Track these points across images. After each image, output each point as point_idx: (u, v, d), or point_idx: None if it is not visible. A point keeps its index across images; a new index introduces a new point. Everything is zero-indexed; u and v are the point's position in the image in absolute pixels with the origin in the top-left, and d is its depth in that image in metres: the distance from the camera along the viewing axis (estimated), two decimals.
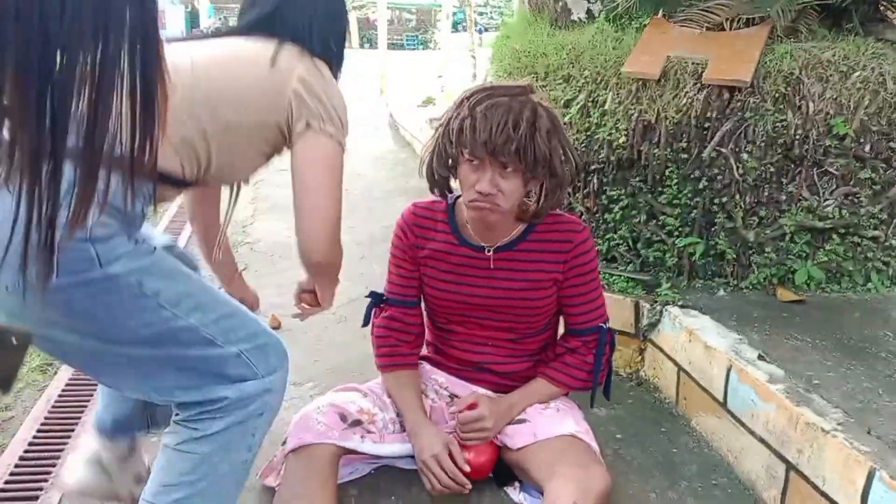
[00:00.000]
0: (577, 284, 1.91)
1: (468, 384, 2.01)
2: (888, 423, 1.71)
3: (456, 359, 2.03)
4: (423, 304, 2.06)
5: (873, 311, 2.37)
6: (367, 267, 3.75)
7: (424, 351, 2.13)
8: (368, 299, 2.08)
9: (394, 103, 9.70)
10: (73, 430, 2.17)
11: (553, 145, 1.72)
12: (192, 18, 33.56)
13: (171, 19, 33.52)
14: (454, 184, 1.91)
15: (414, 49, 31.69)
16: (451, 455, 1.79)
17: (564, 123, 2.45)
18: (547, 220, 1.90)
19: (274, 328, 1.84)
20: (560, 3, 3.17)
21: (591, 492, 1.62)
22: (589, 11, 3.11)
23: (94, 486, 1.73)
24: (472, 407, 1.85)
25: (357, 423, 1.83)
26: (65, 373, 2.53)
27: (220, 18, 36.43)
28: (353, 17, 38.39)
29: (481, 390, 1.98)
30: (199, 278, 1.47)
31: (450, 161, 1.79)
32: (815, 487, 1.70)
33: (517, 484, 1.89)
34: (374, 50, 19.89)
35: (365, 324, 2.09)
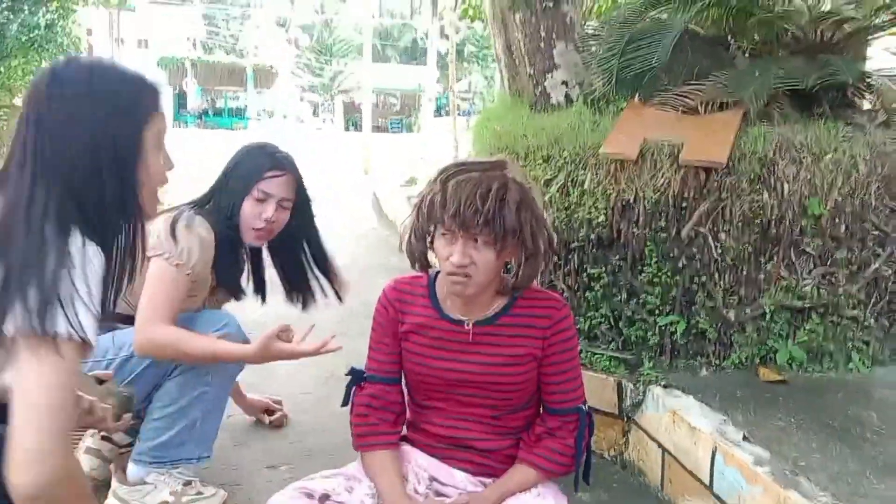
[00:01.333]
0: (556, 363, 1.89)
1: (449, 467, 1.95)
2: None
3: (436, 436, 1.97)
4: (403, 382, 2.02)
5: (856, 391, 2.36)
6: (346, 343, 3.69)
7: (404, 430, 2.07)
8: (349, 377, 2.04)
9: (377, 183, 9.81)
10: None
11: (523, 217, 1.72)
12: (181, 99, 34.17)
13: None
14: (433, 259, 1.91)
15: (398, 132, 32.32)
16: None
17: (545, 203, 2.49)
18: (527, 296, 1.89)
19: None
20: (539, 88, 3.25)
21: None
22: (567, 96, 3.19)
23: (99, 469, 2.17)
24: None
25: (325, 497, 1.76)
26: None
27: (206, 100, 37.19)
28: (338, 101, 39.32)
29: (460, 473, 1.92)
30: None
31: (426, 236, 1.80)
32: None
33: None
34: (359, 133, 20.27)
35: (345, 403, 2.04)
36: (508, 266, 1.86)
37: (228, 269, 2.17)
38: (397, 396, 2.00)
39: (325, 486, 1.82)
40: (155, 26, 34.38)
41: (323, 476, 1.88)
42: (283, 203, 2.17)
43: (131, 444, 2.18)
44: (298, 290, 2.40)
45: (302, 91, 41.52)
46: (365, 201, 8.90)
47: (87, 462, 2.21)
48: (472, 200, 1.66)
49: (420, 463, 1.97)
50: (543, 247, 1.82)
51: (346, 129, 34.97)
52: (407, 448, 2.01)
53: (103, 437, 2.23)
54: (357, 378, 2.03)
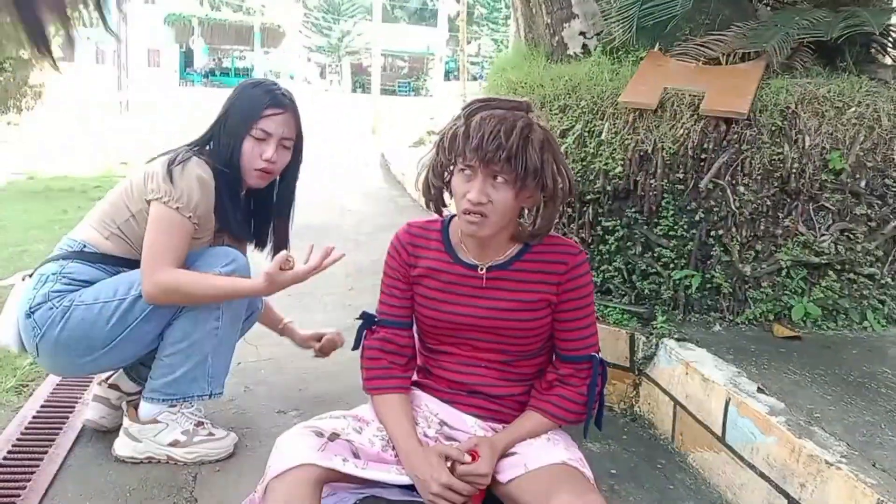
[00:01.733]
0: (571, 309, 1.87)
1: (459, 412, 1.94)
2: (893, 456, 1.66)
3: (447, 381, 1.96)
4: (414, 327, 2.01)
5: (871, 349, 2.34)
6: (355, 298, 3.70)
7: (414, 376, 2.06)
8: (359, 321, 2.02)
9: (386, 143, 9.74)
10: (45, 452, 2.08)
11: (545, 158, 1.70)
12: (187, 58, 33.88)
13: (167, 59, 33.86)
14: (449, 203, 1.88)
15: (406, 95, 32.03)
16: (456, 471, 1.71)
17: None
18: (543, 242, 1.87)
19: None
20: (556, 38, 3.19)
21: None
22: (585, 47, 3.13)
23: (108, 417, 2.21)
24: (472, 455, 1.76)
25: (334, 435, 1.75)
26: (41, 393, 2.45)
27: (213, 59, 36.88)
28: (346, 63, 38.97)
29: (471, 418, 1.91)
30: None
31: (444, 172, 1.77)
32: None
33: None
34: (367, 94, 20.11)
35: (356, 347, 2.03)
36: (522, 217, 1.83)
37: (231, 211, 2.12)
38: (409, 340, 1.98)
39: (334, 426, 1.81)
40: None
41: (332, 416, 1.88)
42: (283, 142, 2.10)
43: (139, 392, 2.17)
44: (258, 234, 2.32)
45: (309, 52, 41.09)
46: (373, 161, 8.85)
47: (95, 410, 2.21)
48: (496, 135, 1.64)
49: (430, 407, 1.96)
50: (563, 193, 1.80)
51: (354, 90, 34.70)
52: (417, 393, 2.00)
53: (110, 385, 2.23)
54: (368, 322, 2.01)
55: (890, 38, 2.76)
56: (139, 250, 2.01)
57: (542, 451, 1.79)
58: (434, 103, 15.29)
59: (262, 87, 2.12)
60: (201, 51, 33.66)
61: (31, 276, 2.08)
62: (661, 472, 2.15)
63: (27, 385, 2.54)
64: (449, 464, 1.74)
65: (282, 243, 2.27)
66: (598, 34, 3.10)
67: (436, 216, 1.98)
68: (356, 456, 1.78)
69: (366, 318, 2.02)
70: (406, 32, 38.42)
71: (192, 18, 31.93)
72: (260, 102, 2.06)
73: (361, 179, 7.57)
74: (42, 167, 7.80)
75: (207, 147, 2.11)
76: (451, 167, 1.77)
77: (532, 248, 1.86)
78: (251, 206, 2.25)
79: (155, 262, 1.96)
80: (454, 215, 1.92)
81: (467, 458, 1.75)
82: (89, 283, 2.02)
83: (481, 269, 1.86)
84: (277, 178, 2.21)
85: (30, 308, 1.98)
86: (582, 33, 3.14)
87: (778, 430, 1.79)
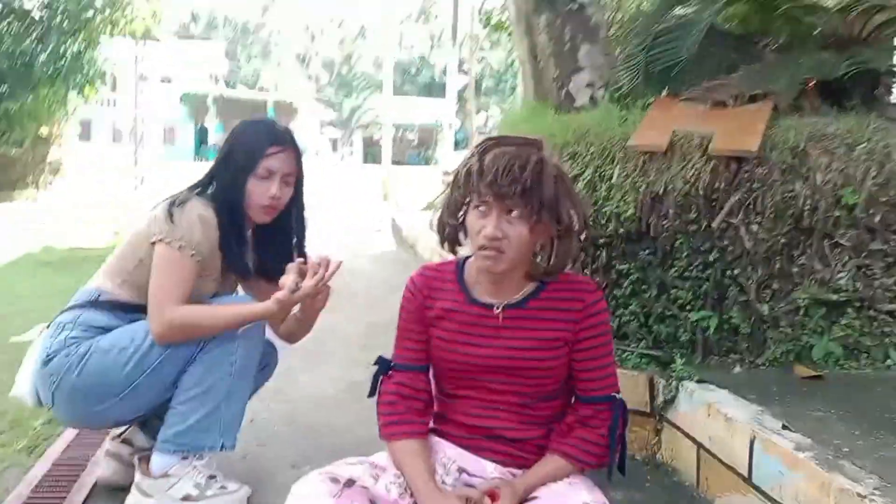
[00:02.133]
0: (588, 348, 1.84)
1: (478, 457, 1.89)
2: None
3: (465, 426, 1.92)
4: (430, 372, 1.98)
5: None
6: (368, 355, 3.65)
7: (431, 423, 2.02)
8: (375, 369, 1.99)
9: (396, 208, 9.83)
10: None
11: (559, 192, 1.70)
12: (202, 135, 34.68)
13: (182, 136, 34.69)
14: (464, 242, 1.88)
15: (416, 165, 32.50)
16: None
17: None
18: (559, 280, 1.85)
19: None
20: (564, 91, 3.25)
21: None
22: (592, 98, 3.19)
23: (121, 473, 2.16)
24: (492, 496, 1.71)
25: (350, 482, 1.71)
26: (52, 452, 2.42)
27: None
28: (357, 136, 39.75)
29: (490, 464, 1.87)
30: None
31: (459, 209, 1.78)
32: None
33: None
34: (378, 165, 20.43)
35: (372, 393, 2.00)
36: (537, 255, 1.83)
37: (235, 249, 2.13)
38: (425, 385, 1.95)
39: (350, 472, 1.77)
40: (178, 63, 35.04)
41: (348, 463, 1.84)
42: (286, 178, 2.12)
43: (152, 448, 2.14)
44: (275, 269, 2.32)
45: (321, 126, 41.99)
46: (384, 226, 8.92)
47: (107, 467, 2.18)
48: (510, 170, 1.65)
49: (448, 454, 1.91)
50: (578, 226, 1.79)
51: (365, 162, 35.29)
52: (435, 440, 1.96)
53: (123, 440, 2.21)
54: (384, 367, 1.99)
55: None
56: (144, 295, 2.02)
57: (562, 495, 1.74)
58: (445, 167, 15.49)
59: (262, 126, 2.16)
60: (215, 128, 34.46)
61: (48, 327, 2.08)
62: None
63: (38, 445, 2.51)
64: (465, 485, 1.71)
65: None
66: (605, 84, 3.16)
67: (449, 258, 1.98)
68: (372, 503, 1.74)
69: (382, 363, 2.00)
70: (415, 105, 39.24)
71: (206, 97, 32.80)
72: (262, 141, 2.08)
73: (373, 243, 7.63)
74: (57, 240, 7.90)
75: (209, 189, 2.13)
76: (466, 205, 1.78)
77: (548, 287, 1.85)
78: (261, 243, 2.26)
79: (161, 301, 1.97)
80: (468, 257, 1.92)
81: (487, 501, 1.70)
82: (105, 329, 2.02)
83: (497, 309, 1.85)
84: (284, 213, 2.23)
85: (47, 356, 1.98)
86: (589, 85, 3.21)
87: (806, 466, 1.73)
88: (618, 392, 1.87)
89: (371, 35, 44.29)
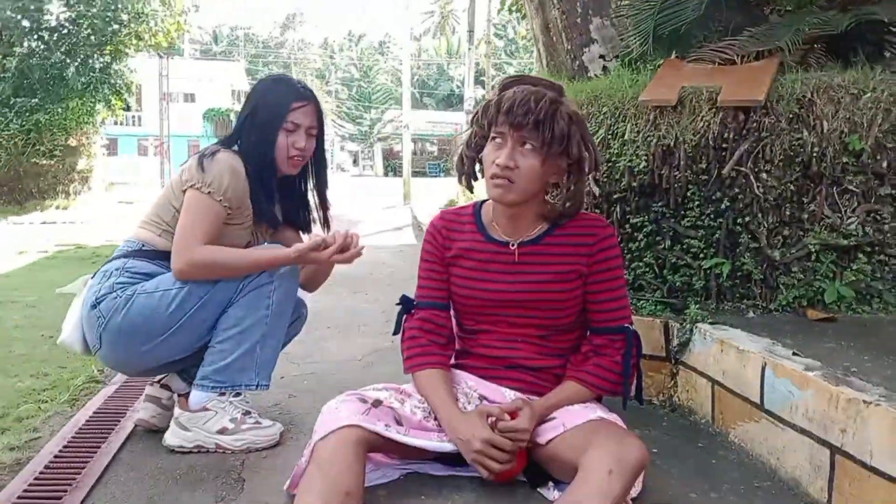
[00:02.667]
0: (602, 280, 1.93)
1: (497, 385, 1.98)
2: None
3: (486, 358, 2.01)
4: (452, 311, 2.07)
5: None
6: (390, 327, 3.75)
7: (453, 360, 2.11)
8: (399, 307, 2.10)
9: (417, 208, 9.96)
10: (98, 447, 2.15)
11: (572, 130, 1.80)
12: None
13: None
14: (480, 179, 1.98)
15: (436, 176, 32.70)
16: (498, 428, 1.74)
17: None
18: (572, 218, 1.95)
19: None
20: (577, 63, 3.34)
21: (626, 461, 1.57)
22: (605, 69, 3.27)
23: (159, 416, 2.28)
24: (512, 415, 1.80)
25: (377, 402, 1.81)
26: (93, 403, 2.53)
27: None
28: (377, 149, 40.01)
29: (509, 391, 1.95)
30: None
31: (479, 144, 1.88)
32: (863, 465, 1.63)
33: (551, 484, 1.82)
34: (399, 177, 20.61)
35: (396, 331, 2.10)
36: (550, 193, 1.91)
37: (263, 198, 2.23)
38: (447, 321, 2.05)
39: (377, 395, 1.87)
40: (201, 80, 35.59)
41: (375, 388, 1.93)
42: (310, 131, 2.24)
43: (188, 393, 2.25)
44: (299, 217, 2.43)
45: (342, 140, 42.35)
46: (405, 223, 9.05)
47: (147, 410, 2.29)
48: (526, 102, 1.77)
49: (469, 384, 2.00)
50: (588, 166, 1.89)
51: (386, 174, 35.53)
52: (456, 372, 2.05)
53: (162, 385, 2.31)
54: (407, 306, 2.09)
55: None
56: None
57: (578, 413, 1.83)
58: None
59: (284, 83, 2.29)
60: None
61: (93, 276, 2.20)
62: (703, 450, 2.15)
63: (79, 399, 2.63)
64: (490, 421, 1.78)
65: (327, 221, 2.42)
66: (616, 56, 3.25)
67: (467, 204, 2.08)
68: (398, 423, 1.83)
69: (405, 301, 2.10)
70: (434, 118, 39.53)
71: (229, 112, 33.26)
72: (287, 97, 2.21)
73: (395, 239, 7.75)
74: (89, 240, 8.10)
75: (236, 145, 2.25)
76: (485, 139, 1.88)
77: (561, 224, 1.94)
78: (285, 194, 2.37)
79: (186, 239, 2.09)
80: (485, 200, 2.02)
81: (507, 417, 1.79)
82: (150, 276, 2.14)
83: (513, 246, 1.94)
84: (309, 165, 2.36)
85: (96, 300, 2.10)
86: (601, 56, 3.29)
87: (815, 383, 1.80)
88: (631, 323, 1.96)
89: (389, 50, 44.68)
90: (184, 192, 2.14)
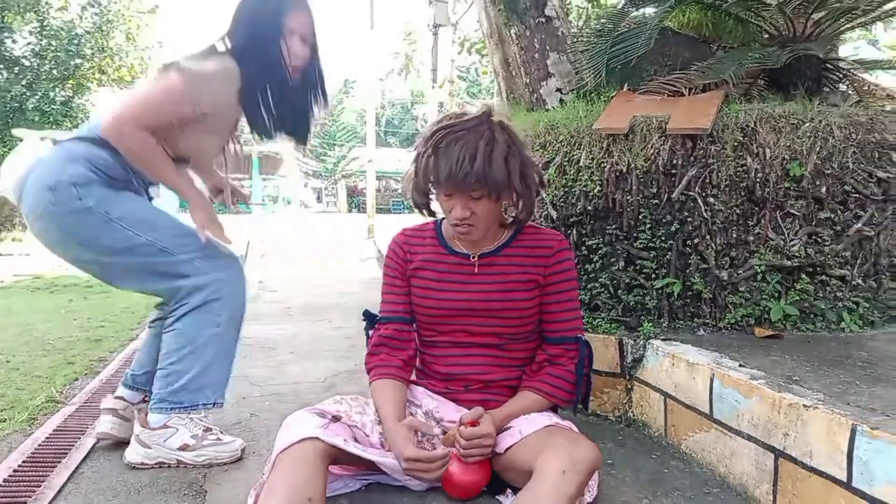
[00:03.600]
0: (556, 291, 2.01)
1: (457, 406, 2.03)
2: (865, 399, 1.76)
3: (443, 375, 2.07)
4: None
5: (849, 343, 2.44)
6: (354, 352, 3.79)
7: (414, 376, 2.16)
8: (364, 322, 2.15)
9: (381, 242, 10.02)
10: (58, 461, 2.15)
11: (511, 166, 1.85)
12: None
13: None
14: (437, 208, 2.06)
15: (399, 213, 32.78)
16: (420, 438, 1.83)
17: (544, 181, 2.65)
18: (529, 231, 2.04)
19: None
20: (535, 95, 3.46)
21: (580, 462, 1.63)
22: (561, 101, 3.40)
23: (119, 427, 2.29)
24: (473, 424, 1.85)
25: (336, 418, 1.85)
26: (53, 422, 2.52)
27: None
28: (341, 186, 40.05)
29: (467, 411, 2.00)
30: (163, 212, 2.19)
31: (426, 191, 1.97)
32: (804, 466, 1.72)
33: (508, 491, 1.88)
34: (363, 214, 20.65)
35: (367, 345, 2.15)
36: (507, 206, 2.01)
37: (256, 103, 2.19)
38: (410, 335, 2.11)
39: (336, 409, 1.92)
40: None
41: (335, 400, 1.98)
42: (306, 38, 2.23)
43: (143, 401, 2.27)
44: (297, 124, 2.37)
45: (306, 177, 42.35)
46: (369, 256, 9.10)
47: (105, 422, 2.29)
48: (462, 163, 1.78)
49: (430, 406, 2.05)
50: (534, 186, 1.97)
51: (350, 211, 35.54)
52: (418, 391, 2.10)
53: (116, 397, 2.31)
54: (371, 321, 2.15)
55: (838, 73, 3.02)
56: (167, 147, 2.12)
57: (534, 420, 1.89)
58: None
59: None
60: (201, 180, 34.61)
61: (56, 144, 2.14)
62: (656, 461, 2.22)
63: (38, 418, 2.62)
64: (454, 429, 1.85)
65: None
66: (572, 90, 3.38)
67: (428, 220, 2.16)
68: (356, 440, 1.87)
69: (368, 317, 2.16)
70: (398, 156, 39.77)
71: None
72: (281, 7, 2.19)
73: (358, 272, 7.79)
74: (46, 271, 7.99)
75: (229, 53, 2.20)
76: (431, 191, 1.97)
77: (519, 236, 2.03)
78: (279, 103, 2.29)
79: (133, 113, 2.03)
80: (444, 217, 2.09)
81: (436, 429, 1.87)
82: (113, 178, 2.10)
83: (473, 258, 2.02)
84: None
85: (54, 183, 2.04)
86: (558, 89, 3.42)
87: (759, 390, 1.89)
88: (583, 334, 2.04)
89: (354, 90, 45.05)
90: (166, 67, 2.09)
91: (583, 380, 2.02)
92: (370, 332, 2.14)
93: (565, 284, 2.02)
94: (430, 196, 2.02)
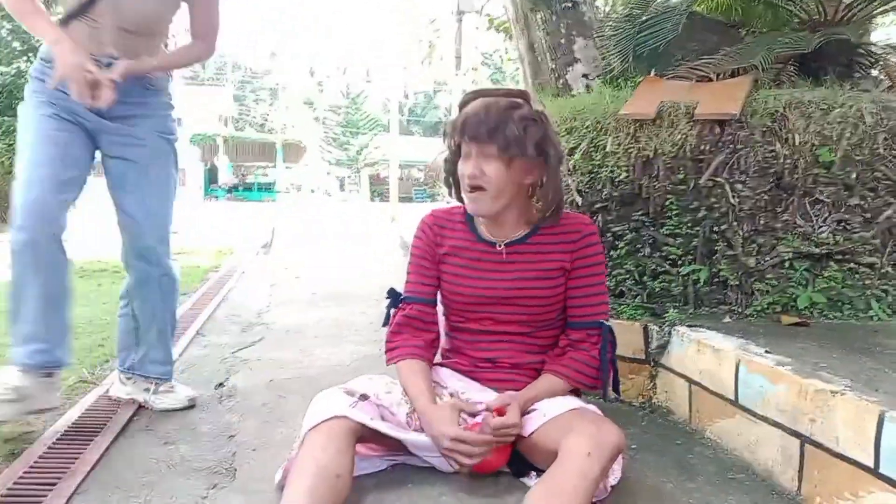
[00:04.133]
0: (582, 276, 2.01)
1: (483, 387, 2.04)
2: (894, 386, 1.75)
3: (471, 358, 2.08)
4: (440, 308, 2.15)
5: (877, 331, 2.42)
6: (379, 336, 3.80)
7: (438, 358, 2.18)
8: (388, 300, 2.17)
9: (404, 228, 10.05)
10: (89, 443, 2.19)
11: (529, 131, 1.87)
12: (212, 174, 35.15)
13: (192, 177, 35.18)
14: None
15: (422, 202, 32.85)
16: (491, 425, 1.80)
17: (569, 168, 2.64)
18: (556, 221, 2.04)
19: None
20: (561, 81, 3.46)
21: (604, 445, 1.65)
22: (588, 87, 3.40)
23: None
24: (500, 412, 1.87)
25: (364, 397, 1.87)
26: (85, 402, 2.58)
27: (237, 175, 38.26)
28: (364, 174, 40.18)
29: (494, 392, 2.01)
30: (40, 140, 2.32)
31: (453, 161, 1.99)
32: (830, 451, 1.72)
33: (533, 473, 1.89)
34: (385, 203, 20.73)
35: (385, 323, 2.17)
36: (532, 196, 2.01)
37: None
38: (433, 317, 2.12)
39: (365, 388, 1.94)
40: (187, 106, 35.68)
41: (363, 380, 2.00)
42: None
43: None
44: None
45: (329, 165, 42.55)
46: (393, 242, 9.14)
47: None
48: (478, 113, 1.85)
49: (456, 386, 2.07)
50: (553, 163, 1.97)
51: (372, 200, 35.64)
52: (445, 372, 2.12)
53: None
54: (395, 299, 2.16)
55: (870, 58, 2.99)
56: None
57: (558, 403, 1.90)
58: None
59: None
60: (226, 168, 34.93)
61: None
62: (680, 446, 2.22)
63: (70, 398, 2.67)
64: (472, 420, 1.85)
65: None
66: (598, 75, 3.37)
67: (457, 204, 2.17)
68: (384, 419, 1.90)
69: (393, 295, 2.17)
70: (421, 144, 39.77)
71: (216, 137, 33.29)
72: None
73: (381, 259, 7.82)
74: (75, 258, 8.09)
75: None
76: (458, 154, 1.98)
77: (547, 224, 2.03)
78: None
79: None
80: None
81: (480, 407, 1.87)
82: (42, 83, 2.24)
83: (499, 246, 2.03)
84: None
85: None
86: (584, 75, 3.42)
87: (786, 377, 1.89)
88: (607, 319, 2.04)
89: (377, 79, 45.07)
90: None
91: (608, 365, 2.02)
92: (392, 311, 2.16)
93: (591, 269, 2.02)
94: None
